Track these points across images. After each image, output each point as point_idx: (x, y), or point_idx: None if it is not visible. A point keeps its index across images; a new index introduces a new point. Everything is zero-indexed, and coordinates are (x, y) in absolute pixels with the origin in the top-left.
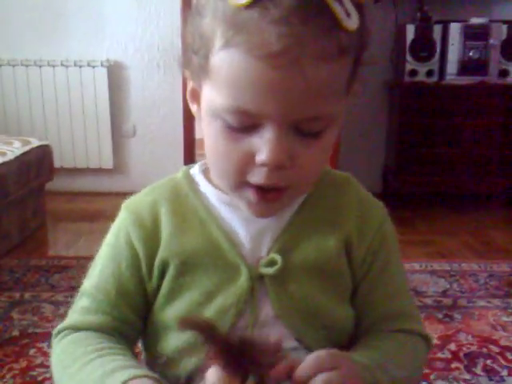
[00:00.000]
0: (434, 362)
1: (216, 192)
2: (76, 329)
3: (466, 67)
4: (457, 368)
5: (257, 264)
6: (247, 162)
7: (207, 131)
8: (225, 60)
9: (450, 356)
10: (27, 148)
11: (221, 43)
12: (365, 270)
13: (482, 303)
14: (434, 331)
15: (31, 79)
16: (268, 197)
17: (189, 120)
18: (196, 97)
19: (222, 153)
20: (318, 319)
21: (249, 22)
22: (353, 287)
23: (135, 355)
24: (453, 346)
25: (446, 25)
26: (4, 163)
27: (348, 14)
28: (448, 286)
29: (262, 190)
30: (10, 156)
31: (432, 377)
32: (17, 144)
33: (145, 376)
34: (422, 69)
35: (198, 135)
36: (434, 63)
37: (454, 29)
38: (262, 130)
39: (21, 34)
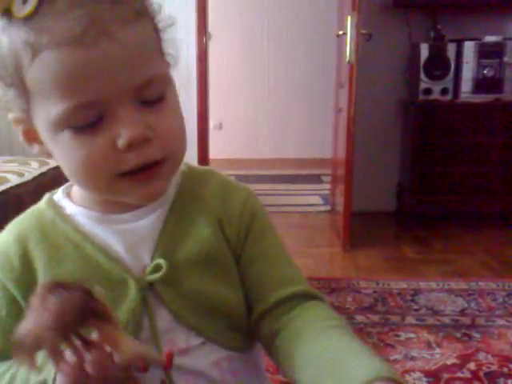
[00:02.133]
0: (454, 381)
1: (84, 211)
2: None
3: (480, 85)
4: None
5: (143, 273)
6: (112, 154)
7: (58, 151)
8: (40, 68)
9: (469, 375)
10: (44, 169)
11: (28, 56)
12: (241, 245)
13: (500, 322)
14: (453, 350)
15: None
16: (149, 172)
17: (203, 140)
18: (32, 136)
19: (81, 160)
20: (216, 310)
21: (44, 21)
22: (237, 268)
23: None
24: (472, 366)
25: (459, 43)
26: (22, 184)
27: None
28: (466, 305)
29: (138, 173)
30: (27, 176)
31: None
32: (34, 165)
33: None
34: (437, 87)
35: (212, 155)
36: (448, 81)
37: (468, 47)
38: (110, 117)
39: None
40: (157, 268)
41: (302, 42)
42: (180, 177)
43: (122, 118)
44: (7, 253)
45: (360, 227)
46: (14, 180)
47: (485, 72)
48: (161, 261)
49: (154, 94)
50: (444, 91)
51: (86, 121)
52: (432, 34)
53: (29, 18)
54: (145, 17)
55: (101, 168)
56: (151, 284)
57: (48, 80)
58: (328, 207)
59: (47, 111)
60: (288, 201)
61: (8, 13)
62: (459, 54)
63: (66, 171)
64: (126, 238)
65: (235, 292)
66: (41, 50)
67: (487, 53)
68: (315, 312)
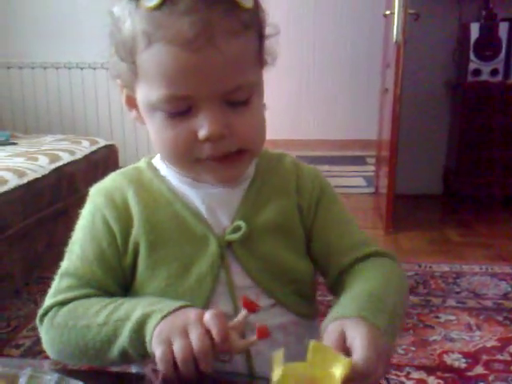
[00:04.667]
0: (493, 363)
1: (176, 175)
2: (68, 303)
3: None
4: None
5: (223, 233)
6: (192, 142)
7: (150, 127)
8: (150, 57)
9: (509, 358)
10: (95, 147)
11: (143, 44)
12: (311, 218)
13: None
14: (494, 333)
15: (98, 81)
16: (225, 162)
17: None
18: (132, 102)
19: (168, 140)
20: (286, 275)
21: (163, 18)
22: (306, 239)
23: None
24: None
25: None
26: (73, 161)
27: None
28: (509, 289)
29: (216, 159)
30: (78, 155)
31: (491, 378)
32: (85, 143)
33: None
34: (486, 68)
35: None
36: (498, 62)
37: None
38: (197, 110)
39: (91, 38)
40: (236, 229)
41: (349, 21)
42: (256, 158)
43: (206, 114)
44: (112, 195)
45: (404, 210)
46: (66, 158)
47: None
48: (240, 223)
49: (239, 98)
50: (494, 72)
51: (177, 109)
52: (483, 13)
53: (152, 11)
54: (251, 29)
55: (182, 151)
56: (229, 244)
57: (154, 68)
58: (372, 189)
59: (148, 93)
60: (331, 182)
61: (136, 0)
62: (511, 34)
63: (156, 146)
64: (210, 202)
65: (303, 260)
66: (155, 42)
67: None
68: (377, 263)
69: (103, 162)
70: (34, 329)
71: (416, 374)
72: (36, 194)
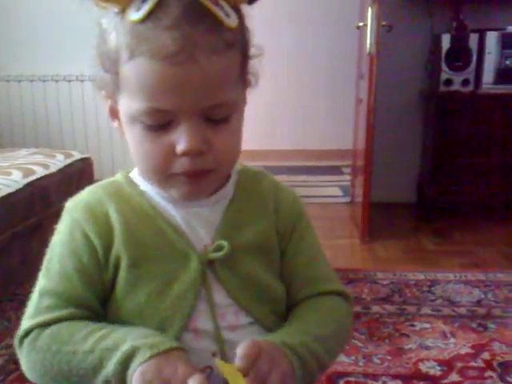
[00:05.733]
0: (467, 370)
1: (156, 190)
2: (50, 324)
3: (502, 76)
4: (490, 377)
5: (204, 250)
6: (169, 155)
7: (130, 138)
8: (133, 69)
9: (483, 365)
10: (69, 161)
11: (127, 56)
12: (287, 239)
13: None
14: (468, 340)
15: (73, 94)
16: (195, 180)
17: None
18: (115, 114)
19: (146, 153)
20: (264, 294)
21: (147, 32)
22: (281, 260)
23: None
24: (486, 355)
25: (482, 33)
26: (47, 175)
27: (227, 15)
28: (483, 296)
29: (188, 175)
30: (52, 168)
31: None
32: (59, 157)
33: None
34: (458, 78)
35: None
36: (469, 72)
37: (491, 37)
38: (177, 125)
39: (62, 50)
40: (218, 248)
41: (324, 32)
42: (237, 175)
43: (185, 129)
44: (92, 209)
45: (379, 218)
46: (40, 172)
47: (507, 62)
48: (223, 242)
49: (219, 116)
50: (465, 82)
51: (157, 122)
52: (454, 25)
53: (136, 24)
54: (234, 48)
55: (159, 164)
56: (210, 262)
57: (136, 81)
58: (348, 198)
59: (129, 104)
60: (307, 192)
61: (122, 13)
62: (481, 45)
63: (134, 158)
64: (190, 219)
65: (278, 281)
66: (137, 55)
67: (510, 43)
68: (325, 303)
69: (78, 175)
70: (8, 347)
71: (392, 383)
72: (9, 208)
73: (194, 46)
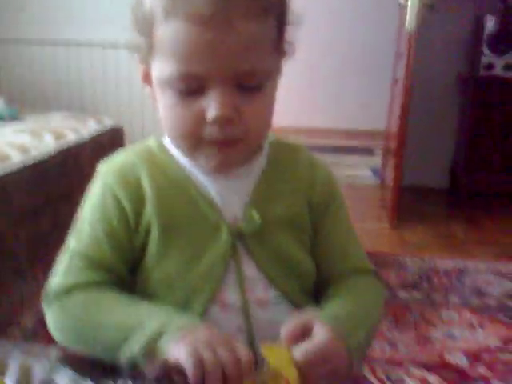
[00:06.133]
0: (495, 363)
1: (187, 159)
2: (79, 287)
3: None
4: None
5: (234, 222)
6: (200, 121)
7: (161, 104)
8: (167, 31)
9: (511, 358)
10: (101, 127)
11: (161, 17)
12: (321, 218)
13: None
14: (496, 332)
15: (107, 60)
16: (225, 149)
17: None
18: (148, 79)
19: (177, 117)
20: (294, 269)
21: None
22: (314, 236)
23: None
24: None
25: None
26: (79, 142)
27: None
28: None
29: (218, 144)
30: (85, 135)
31: (492, 378)
32: (91, 122)
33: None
34: (500, 62)
35: None
36: None
37: None
38: (208, 91)
39: (98, 15)
40: (249, 220)
41: (363, 7)
42: (268, 148)
43: (216, 96)
44: (124, 174)
45: (410, 203)
46: (72, 137)
47: None
48: (255, 214)
49: (252, 84)
50: (508, 67)
51: (188, 88)
52: (499, 6)
53: None
54: (271, 13)
55: (189, 130)
56: (241, 234)
57: (169, 44)
58: (378, 181)
59: (162, 68)
60: (336, 172)
61: None
62: None
63: (164, 124)
64: (222, 190)
65: (309, 257)
66: (172, 17)
67: None
68: (357, 284)
69: (109, 144)
70: (38, 311)
71: (416, 371)
72: (42, 173)
73: (229, 9)
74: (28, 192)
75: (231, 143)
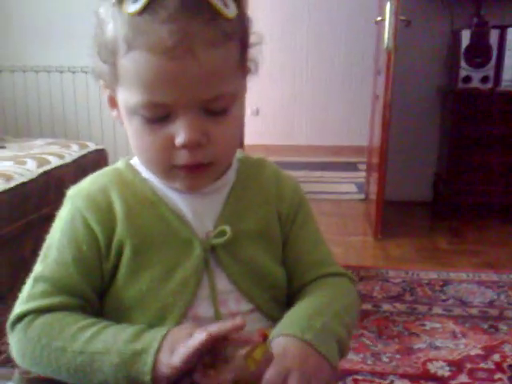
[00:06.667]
0: (477, 372)
1: (157, 177)
2: (42, 311)
3: None
4: (500, 379)
5: (206, 237)
6: (169, 147)
7: (129, 129)
8: (130, 62)
9: (493, 367)
10: (84, 151)
11: (124, 48)
12: (289, 225)
13: None
14: (478, 341)
15: (90, 85)
16: (195, 173)
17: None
18: (113, 102)
19: (146, 145)
20: (265, 280)
21: (144, 25)
22: (283, 246)
23: None
24: (497, 357)
25: (503, 30)
26: (62, 165)
27: (226, 5)
28: (495, 297)
29: (188, 168)
30: (67, 159)
31: None
32: (75, 147)
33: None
34: (477, 75)
35: (248, 141)
36: (489, 69)
37: None
38: (175, 117)
39: (79, 41)
40: (220, 233)
41: (343, 27)
42: (237, 163)
43: (183, 121)
44: (94, 197)
45: (393, 216)
46: (55, 162)
47: None
48: (225, 227)
49: (218, 107)
50: (484, 79)
51: (155, 115)
52: (475, 20)
53: (134, 16)
54: (232, 39)
55: (159, 157)
56: (213, 248)
57: (133, 74)
58: (362, 195)
59: (127, 97)
60: (322, 188)
61: (120, 3)
62: (502, 41)
63: (134, 150)
64: (194, 206)
65: (280, 267)
66: (135, 48)
67: None
68: (332, 281)
69: (93, 166)
70: None
71: (399, 383)
72: (23, 198)
73: (191, 39)
74: (9, 216)
75: (201, 167)
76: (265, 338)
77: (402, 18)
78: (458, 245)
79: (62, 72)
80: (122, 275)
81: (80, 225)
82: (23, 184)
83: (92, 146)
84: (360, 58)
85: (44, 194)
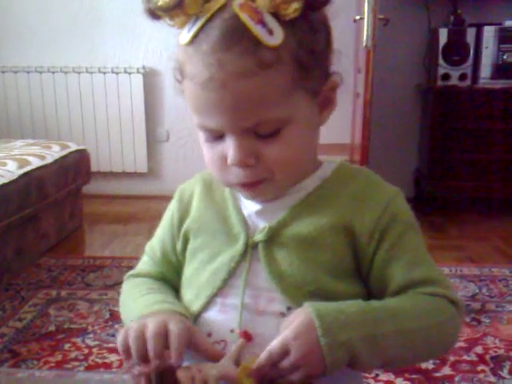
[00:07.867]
0: (460, 364)
1: None
2: (137, 275)
3: (499, 71)
4: (482, 371)
5: (252, 233)
6: (223, 164)
7: (201, 142)
8: (185, 87)
9: (476, 359)
10: (65, 152)
11: (181, 74)
12: (373, 247)
13: (511, 307)
14: (461, 334)
15: (70, 85)
16: (251, 188)
17: None
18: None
19: (209, 158)
20: (306, 286)
21: (191, 55)
22: (366, 266)
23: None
24: (479, 349)
25: (479, 28)
26: (43, 166)
27: (270, 32)
28: (477, 291)
29: (243, 185)
30: (49, 159)
31: (457, 379)
32: (56, 148)
33: (169, 310)
34: (455, 73)
35: None
36: (467, 67)
37: (488, 32)
38: (226, 138)
39: (59, 42)
40: (263, 230)
41: None
42: (329, 172)
43: (231, 143)
44: (183, 192)
45: None
46: (36, 163)
47: (504, 57)
48: (267, 225)
49: (266, 131)
50: (463, 77)
51: (210, 135)
52: (452, 19)
53: (186, 46)
54: (275, 65)
55: (217, 171)
56: (254, 244)
57: (187, 98)
58: None
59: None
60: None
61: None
62: (479, 39)
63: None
64: (261, 207)
65: (337, 281)
66: (185, 76)
67: (507, 38)
68: (420, 298)
69: (74, 166)
70: (2, 336)
71: (384, 376)
72: (4, 199)
73: (224, 71)
74: None
75: (256, 183)
76: (248, 338)
77: (381, 16)
78: (440, 240)
79: (41, 72)
80: (186, 256)
81: (170, 213)
82: (4, 185)
83: (73, 147)
84: (340, 56)
85: (25, 195)
